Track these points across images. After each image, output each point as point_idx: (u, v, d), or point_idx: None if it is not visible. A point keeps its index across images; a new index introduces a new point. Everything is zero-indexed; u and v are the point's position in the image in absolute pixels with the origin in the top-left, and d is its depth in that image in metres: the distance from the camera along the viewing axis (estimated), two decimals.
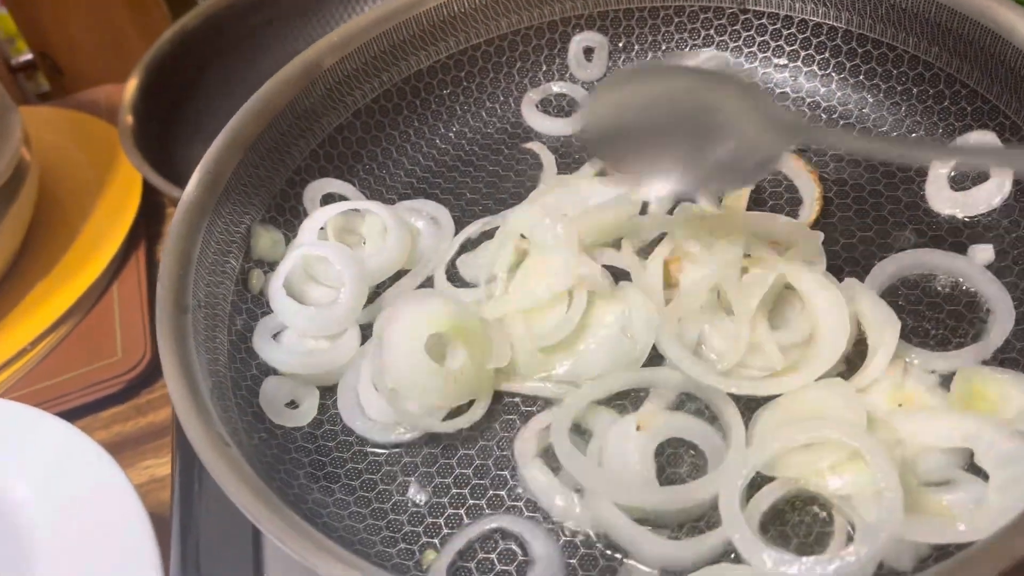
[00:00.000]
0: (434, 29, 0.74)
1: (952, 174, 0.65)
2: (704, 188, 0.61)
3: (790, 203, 0.67)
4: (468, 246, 0.68)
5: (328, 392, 0.62)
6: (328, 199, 0.70)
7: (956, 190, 0.65)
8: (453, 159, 0.76)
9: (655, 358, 0.58)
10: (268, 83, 0.68)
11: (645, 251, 0.63)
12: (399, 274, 0.67)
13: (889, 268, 0.60)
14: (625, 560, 0.51)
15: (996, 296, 0.58)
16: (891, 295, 0.60)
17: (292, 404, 0.61)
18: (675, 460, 0.54)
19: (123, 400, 0.79)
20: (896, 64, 0.69)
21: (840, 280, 0.58)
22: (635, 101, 0.59)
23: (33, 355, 0.81)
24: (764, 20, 0.75)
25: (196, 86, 1.00)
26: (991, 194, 0.63)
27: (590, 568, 0.51)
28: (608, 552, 0.52)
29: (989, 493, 0.48)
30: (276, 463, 0.56)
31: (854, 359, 0.56)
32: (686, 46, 0.78)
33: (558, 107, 0.79)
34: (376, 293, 0.65)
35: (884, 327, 0.55)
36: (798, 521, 0.51)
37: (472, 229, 0.68)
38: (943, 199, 0.65)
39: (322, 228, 0.66)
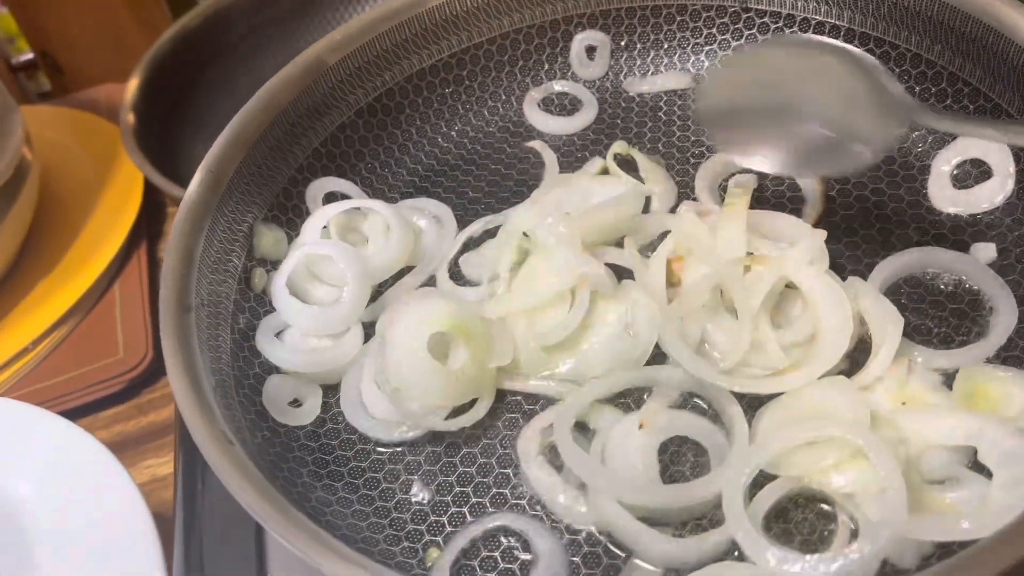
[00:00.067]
0: (436, 28, 0.74)
1: (955, 172, 0.65)
2: (810, 170, 0.61)
3: (792, 201, 0.67)
4: (470, 244, 0.68)
5: (331, 390, 0.62)
6: (330, 198, 0.70)
7: (958, 188, 0.65)
8: (455, 158, 0.76)
9: (658, 356, 0.58)
10: (270, 82, 0.68)
11: (648, 250, 0.63)
12: (402, 272, 0.67)
13: (891, 266, 0.60)
14: (628, 558, 0.51)
15: (999, 294, 0.58)
16: (894, 293, 0.60)
17: (295, 403, 0.61)
18: (678, 458, 0.54)
19: (124, 399, 0.79)
20: (898, 62, 0.69)
21: (843, 278, 0.58)
22: (753, 79, 0.59)
23: (34, 354, 0.81)
24: (766, 19, 0.75)
25: (197, 85, 1.00)
26: (993, 192, 0.63)
27: (593, 566, 0.51)
28: (612, 550, 0.52)
29: (992, 491, 0.48)
30: (279, 461, 0.56)
31: (857, 357, 0.56)
32: (688, 45, 0.78)
33: (560, 106, 0.79)
34: (379, 292, 0.65)
35: (887, 325, 0.55)
36: (801, 519, 0.51)
37: (474, 227, 0.68)
38: (945, 197, 0.65)
39: (325, 227, 0.66)
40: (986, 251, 0.61)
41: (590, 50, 0.79)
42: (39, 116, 1.03)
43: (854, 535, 0.49)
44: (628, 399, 0.57)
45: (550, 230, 0.61)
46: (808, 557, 0.46)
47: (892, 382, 0.54)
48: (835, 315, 0.56)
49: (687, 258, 0.60)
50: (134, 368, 0.79)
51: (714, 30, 0.77)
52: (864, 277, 0.59)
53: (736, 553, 0.49)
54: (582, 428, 0.56)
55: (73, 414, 0.76)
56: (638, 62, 0.79)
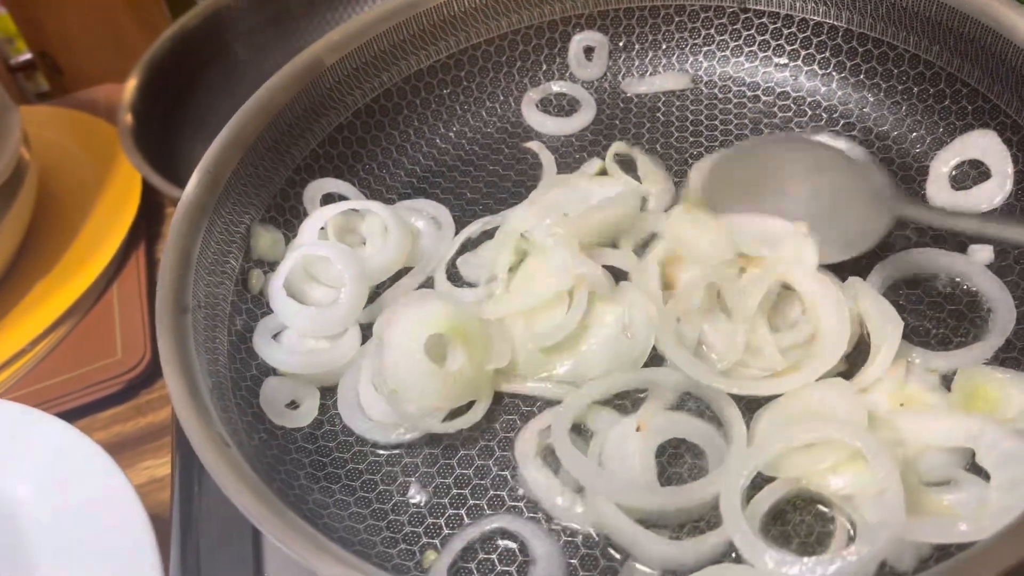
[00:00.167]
0: (434, 28, 0.74)
1: (953, 173, 0.65)
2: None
3: None
4: (468, 246, 0.67)
5: (328, 392, 0.62)
6: (328, 199, 0.70)
7: (957, 189, 0.65)
8: (453, 159, 0.76)
9: (656, 358, 0.58)
10: (268, 82, 0.68)
11: (644, 249, 0.63)
12: (399, 274, 0.67)
13: (890, 267, 0.60)
14: (626, 561, 0.51)
15: (997, 295, 0.58)
16: (892, 294, 0.59)
17: (292, 405, 0.61)
18: (676, 460, 0.54)
19: (123, 400, 0.79)
20: (896, 63, 0.69)
21: (842, 279, 0.58)
22: (746, 172, 0.62)
23: (32, 355, 0.81)
24: (764, 19, 0.74)
25: (196, 85, 1.00)
26: (992, 193, 0.63)
27: (591, 568, 0.51)
28: (609, 552, 0.52)
29: (990, 493, 0.48)
30: (276, 464, 0.56)
31: (856, 358, 0.56)
32: (686, 45, 0.78)
33: (558, 106, 0.78)
34: (376, 293, 0.65)
35: (887, 327, 0.55)
36: (799, 521, 0.51)
37: (472, 228, 0.68)
38: (944, 198, 0.65)
39: (322, 228, 0.66)
40: (984, 252, 0.61)
41: (588, 51, 0.79)
42: (37, 116, 1.02)
43: (851, 537, 0.49)
44: (626, 400, 0.57)
45: (548, 231, 0.61)
46: (806, 560, 0.46)
47: (891, 383, 0.54)
48: (833, 316, 0.56)
49: (682, 260, 0.60)
50: (132, 369, 0.79)
51: (712, 31, 0.76)
52: (863, 278, 0.59)
53: (734, 555, 0.49)
54: (579, 430, 0.56)
55: (71, 415, 0.76)
56: (636, 63, 0.79)
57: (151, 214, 0.93)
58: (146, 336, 0.81)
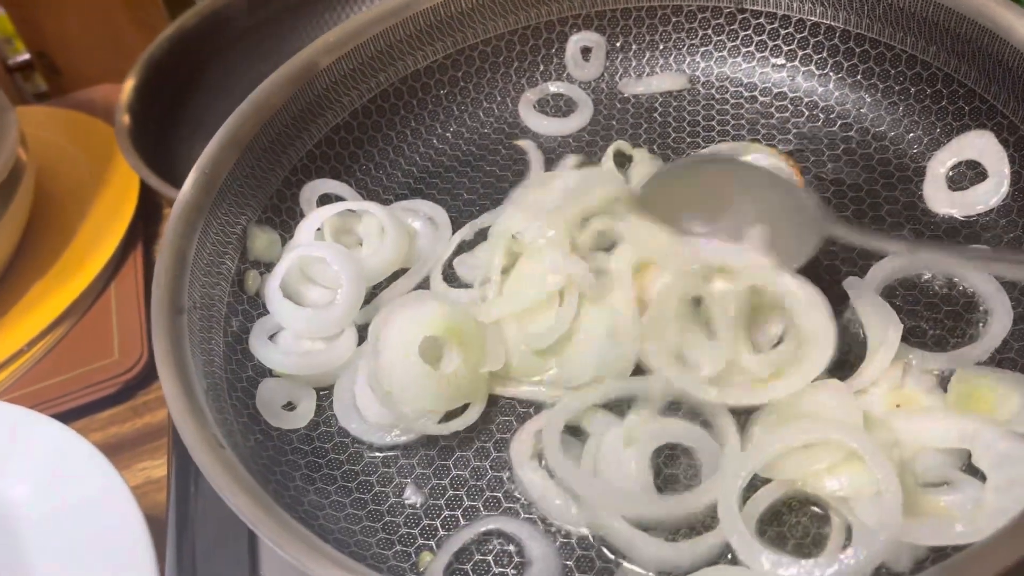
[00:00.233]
0: (431, 29, 0.74)
1: (950, 174, 0.65)
2: None
3: None
4: (465, 246, 0.67)
5: (325, 393, 0.61)
6: (325, 199, 0.70)
7: (954, 190, 0.65)
8: (450, 159, 0.76)
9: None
10: (264, 83, 0.68)
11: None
12: (396, 274, 0.66)
13: (887, 268, 0.60)
14: (622, 562, 0.51)
15: (993, 296, 0.58)
16: (889, 295, 0.59)
17: (289, 406, 0.61)
18: (672, 461, 0.54)
19: (120, 401, 0.79)
20: (894, 64, 0.69)
21: (840, 280, 0.58)
22: (681, 193, 0.61)
23: (30, 356, 0.81)
24: (762, 19, 0.74)
25: (194, 86, 1.00)
26: (988, 194, 0.63)
27: (587, 570, 0.51)
28: (605, 554, 0.52)
29: (986, 494, 0.48)
30: (272, 465, 0.55)
31: (852, 359, 0.56)
32: (684, 45, 0.77)
33: (555, 107, 0.78)
34: (373, 294, 0.65)
35: (886, 329, 0.55)
36: (795, 522, 0.51)
37: (465, 232, 0.68)
38: (941, 199, 0.65)
39: (319, 229, 0.66)
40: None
41: (585, 51, 0.79)
42: (35, 117, 1.03)
43: (848, 538, 0.49)
44: (621, 403, 0.57)
45: (538, 232, 0.60)
46: (803, 562, 0.46)
47: (887, 384, 0.54)
48: (815, 319, 0.54)
49: (649, 268, 0.58)
50: (130, 370, 0.79)
51: (709, 31, 0.76)
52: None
53: (729, 556, 0.49)
54: (575, 431, 0.56)
55: (68, 416, 0.76)
56: (633, 63, 0.79)
57: (149, 215, 0.93)
58: (143, 337, 0.81)
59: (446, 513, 0.55)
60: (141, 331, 0.82)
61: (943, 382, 0.55)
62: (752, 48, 0.76)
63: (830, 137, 0.71)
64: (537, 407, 0.58)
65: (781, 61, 0.75)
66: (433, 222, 0.70)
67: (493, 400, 0.59)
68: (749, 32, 0.75)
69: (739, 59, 0.76)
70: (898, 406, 0.53)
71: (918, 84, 0.68)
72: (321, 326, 0.61)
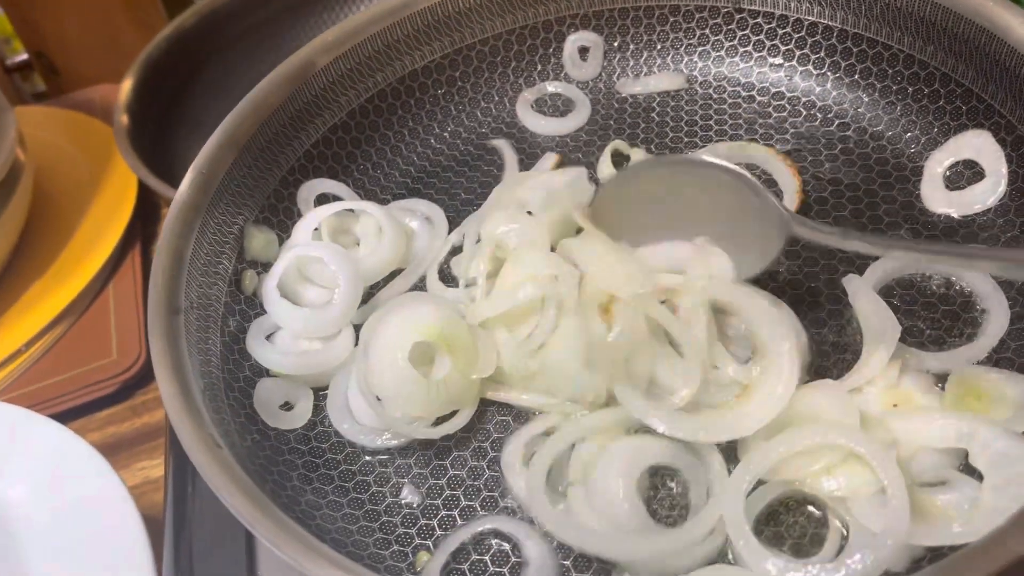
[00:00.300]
0: (428, 29, 0.74)
1: (947, 173, 0.65)
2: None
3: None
4: (461, 246, 0.67)
5: (322, 393, 0.61)
6: (322, 199, 0.70)
7: (951, 189, 0.65)
8: (448, 159, 0.76)
9: None
10: (262, 83, 0.68)
11: None
12: (394, 274, 0.66)
13: (884, 268, 0.60)
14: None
15: (991, 296, 0.58)
16: (886, 295, 0.59)
17: (287, 406, 0.60)
18: (665, 480, 0.54)
19: (118, 401, 0.79)
20: (891, 63, 0.69)
21: (837, 280, 0.58)
22: (639, 195, 0.60)
23: (28, 356, 0.81)
24: (759, 19, 0.74)
25: (192, 85, 1.00)
26: (986, 193, 0.63)
27: (584, 570, 0.51)
28: None
29: (983, 493, 0.48)
30: (269, 465, 0.55)
31: (849, 359, 0.56)
32: (681, 45, 0.77)
33: (553, 107, 0.78)
34: (370, 293, 0.65)
35: (885, 329, 0.55)
36: (792, 522, 0.51)
37: (455, 238, 0.68)
38: (938, 198, 0.65)
39: (316, 228, 0.66)
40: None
41: (583, 51, 0.79)
42: (33, 117, 1.03)
43: (845, 538, 0.49)
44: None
45: (518, 235, 0.60)
46: (810, 568, 0.46)
47: (884, 384, 0.54)
48: (778, 330, 0.54)
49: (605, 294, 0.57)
50: (128, 370, 0.79)
51: (707, 31, 0.76)
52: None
53: (729, 556, 0.49)
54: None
55: (66, 416, 0.76)
56: (631, 63, 0.79)
57: (147, 215, 0.93)
58: (142, 337, 0.81)
59: (443, 513, 0.55)
60: (139, 331, 0.82)
61: (940, 382, 0.55)
62: (750, 48, 0.76)
63: (828, 137, 0.71)
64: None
65: (779, 61, 0.75)
66: (430, 222, 0.70)
67: (489, 399, 0.58)
68: (747, 32, 0.75)
69: (737, 59, 0.76)
70: (895, 405, 0.53)
71: (916, 84, 0.68)
72: (318, 326, 0.61)
